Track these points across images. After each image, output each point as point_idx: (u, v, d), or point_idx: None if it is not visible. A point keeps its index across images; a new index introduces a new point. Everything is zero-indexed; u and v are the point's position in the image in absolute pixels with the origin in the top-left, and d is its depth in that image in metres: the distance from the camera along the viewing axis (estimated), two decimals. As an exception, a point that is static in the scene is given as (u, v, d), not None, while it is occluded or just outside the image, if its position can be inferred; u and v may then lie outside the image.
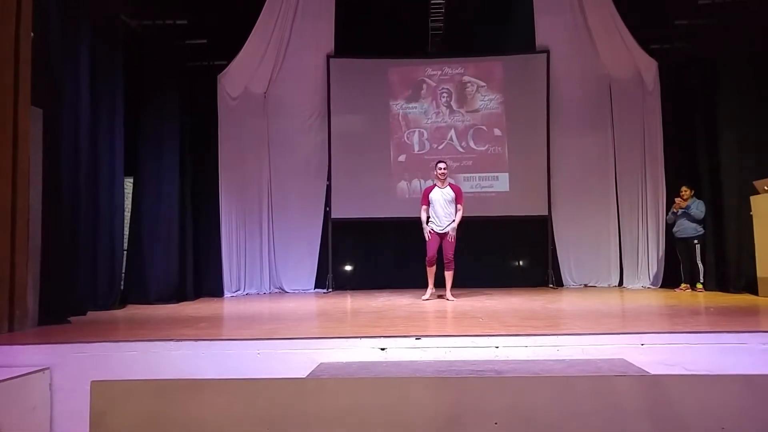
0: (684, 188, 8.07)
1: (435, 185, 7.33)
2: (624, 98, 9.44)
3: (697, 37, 8.21)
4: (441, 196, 7.20)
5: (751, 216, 6.97)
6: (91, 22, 6.31)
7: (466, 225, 9.25)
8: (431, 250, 7.21)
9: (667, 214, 8.43)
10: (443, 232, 7.17)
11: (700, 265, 7.96)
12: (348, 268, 10.05)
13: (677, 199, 8.10)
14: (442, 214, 7.17)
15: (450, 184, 7.36)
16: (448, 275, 7.27)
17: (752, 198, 6.98)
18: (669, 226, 8.33)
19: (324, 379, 3.09)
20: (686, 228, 8.02)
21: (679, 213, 8.06)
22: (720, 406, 2.72)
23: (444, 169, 7.28)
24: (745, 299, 6.64)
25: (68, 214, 5.68)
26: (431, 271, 7.33)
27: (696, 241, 7.96)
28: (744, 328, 4.04)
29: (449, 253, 7.17)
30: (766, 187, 6.79)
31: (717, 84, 7.80)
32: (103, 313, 6.13)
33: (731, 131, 7.57)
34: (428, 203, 7.26)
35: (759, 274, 6.80)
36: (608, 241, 9.49)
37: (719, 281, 7.77)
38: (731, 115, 7.56)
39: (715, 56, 7.83)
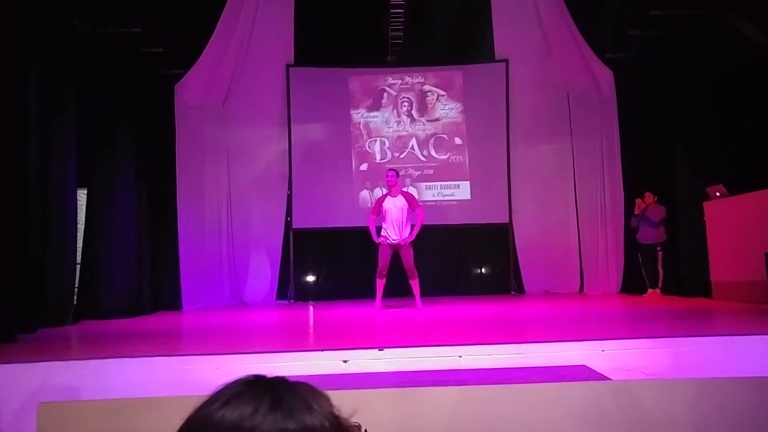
0: (647, 193, 8.08)
1: (387, 195, 7.15)
2: (582, 107, 9.60)
3: (649, 47, 8.41)
4: (393, 205, 7.00)
5: (705, 221, 7.14)
6: (42, 28, 6.09)
7: (428, 233, 9.25)
8: (383, 261, 7.00)
9: (628, 219, 8.51)
10: (397, 243, 6.95)
11: (660, 271, 8.04)
12: (310, 278, 9.93)
13: (637, 200, 8.14)
14: (396, 224, 6.94)
15: (401, 192, 7.23)
16: (414, 284, 7.08)
17: (705, 204, 7.15)
18: (633, 231, 8.33)
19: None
20: (649, 234, 8.06)
21: (640, 216, 8.10)
22: (678, 409, 2.74)
23: (392, 177, 7.09)
24: (700, 303, 6.79)
25: (15, 227, 5.45)
26: (381, 284, 7.11)
27: (659, 248, 8.02)
28: (699, 332, 4.13)
29: (409, 262, 6.97)
30: (717, 193, 6.97)
31: (670, 92, 7.99)
32: (54, 330, 5.88)
33: (685, 138, 7.76)
34: (379, 213, 7.06)
35: (713, 278, 6.97)
36: (569, 248, 9.60)
37: (676, 285, 7.91)
38: (685, 123, 7.74)
39: (667, 65, 8.03)
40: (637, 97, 8.68)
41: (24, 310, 5.49)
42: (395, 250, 7.01)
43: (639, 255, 8.29)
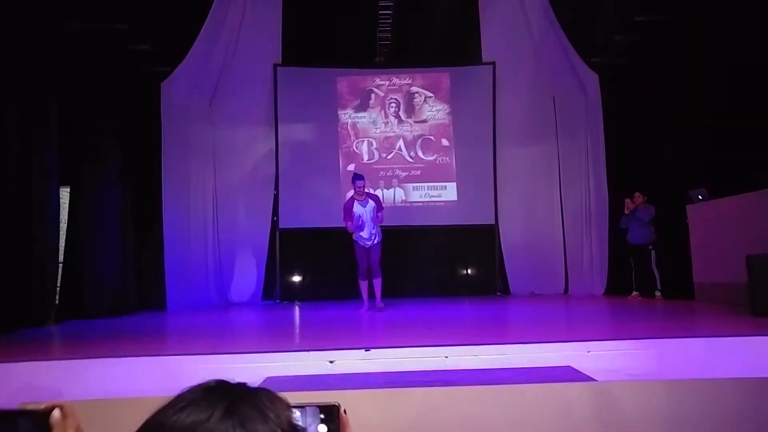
0: (637, 193, 7.99)
1: (354, 200, 7.18)
2: (567, 109, 9.66)
3: (634, 51, 8.48)
4: (363, 210, 7.09)
5: (687, 224, 7.19)
6: (26, 24, 6.00)
7: (414, 234, 9.28)
8: (362, 263, 7.16)
9: (613, 221, 8.49)
10: (370, 246, 7.12)
11: (656, 272, 7.92)
12: (296, 278, 9.90)
13: (627, 200, 8.02)
14: (368, 227, 7.07)
15: (368, 195, 7.27)
16: (377, 283, 7.22)
17: (688, 207, 7.21)
18: (623, 232, 8.19)
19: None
20: (639, 234, 7.96)
21: (630, 215, 7.98)
22: (662, 410, 2.77)
23: (362, 187, 7.16)
24: (683, 305, 6.82)
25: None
26: (364, 285, 7.26)
27: (651, 247, 7.92)
28: (683, 334, 4.16)
29: (376, 262, 7.13)
30: (700, 197, 7.03)
31: (655, 96, 8.04)
32: (35, 331, 5.75)
33: (669, 141, 7.81)
34: (352, 218, 7.08)
35: (695, 280, 7.03)
36: (554, 249, 9.65)
37: (661, 287, 7.93)
38: (669, 126, 7.80)
39: (652, 69, 8.10)
40: (622, 101, 8.72)
41: (4, 310, 5.38)
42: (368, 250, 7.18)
43: (629, 256, 8.18)
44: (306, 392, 3.01)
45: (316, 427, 1.04)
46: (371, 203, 7.15)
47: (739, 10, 6.60)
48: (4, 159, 5.62)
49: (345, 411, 1.06)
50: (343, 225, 7.25)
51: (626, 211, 8.04)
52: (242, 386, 0.78)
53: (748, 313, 5.24)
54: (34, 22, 6.25)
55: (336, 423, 1.05)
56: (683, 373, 3.44)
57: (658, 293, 7.85)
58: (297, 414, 1.05)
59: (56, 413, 1.02)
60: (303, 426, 1.04)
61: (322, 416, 1.04)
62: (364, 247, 7.13)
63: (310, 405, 1.06)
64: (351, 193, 7.56)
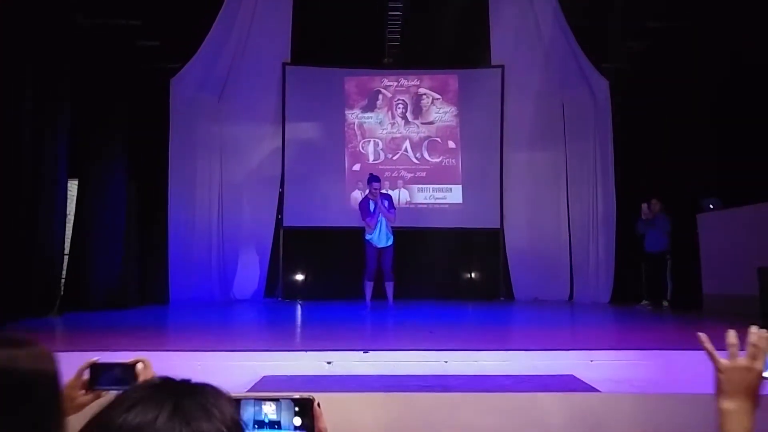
0: (654, 200, 7.79)
1: (368, 199, 7.21)
2: (576, 115, 9.58)
3: (645, 58, 8.39)
4: (377, 210, 7.15)
5: (698, 233, 7.05)
6: (39, 19, 6.01)
7: (418, 236, 9.22)
8: (372, 264, 7.20)
9: (621, 228, 8.36)
10: (382, 247, 7.17)
11: (669, 282, 7.78)
12: (299, 277, 9.87)
13: (643, 205, 7.81)
14: (380, 229, 7.14)
15: (381, 195, 7.30)
16: (389, 286, 7.26)
17: (698, 216, 7.07)
18: (639, 238, 7.96)
19: (265, 394, 2.94)
20: (657, 242, 7.76)
21: (648, 222, 7.78)
22: (666, 424, 2.70)
23: (378, 189, 7.22)
24: (691, 316, 6.62)
25: (3, 215, 5.37)
26: (370, 286, 7.30)
27: (668, 256, 7.77)
28: (690, 346, 4.07)
29: (388, 265, 7.17)
30: (711, 206, 6.90)
31: (666, 103, 7.93)
32: (39, 321, 5.76)
33: (680, 149, 7.67)
34: (371, 214, 7.15)
35: (704, 290, 6.86)
36: (559, 255, 9.57)
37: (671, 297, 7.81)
38: (679, 133, 7.67)
39: (663, 75, 8.00)
40: (633, 107, 8.60)
41: (9, 299, 5.39)
42: (379, 252, 7.21)
43: (643, 264, 8.00)
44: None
45: (291, 420, 1.06)
46: (385, 203, 7.21)
47: (753, 16, 6.48)
48: (16, 150, 5.65)
49: (319, 404, 1.06)
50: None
51: (643, 217, 7.82)
52: (187, 383, 0.79)
53: (760, 326, 5.11)
54: (48, 16, 6.28)
55: (310, 416, 1.08)
56: (690, 387, 3.35)
57: (666, 303, 7.71)
58: (272, 407, 1.06)
59: (140, 365, 1.30)
60: (277, 419, 1.08)
61: (296, 409, 1.05)
62: (375, 247, 7.15)
63: (284, 398, 1.07)
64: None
